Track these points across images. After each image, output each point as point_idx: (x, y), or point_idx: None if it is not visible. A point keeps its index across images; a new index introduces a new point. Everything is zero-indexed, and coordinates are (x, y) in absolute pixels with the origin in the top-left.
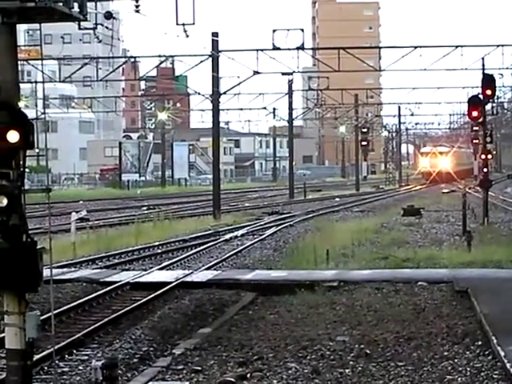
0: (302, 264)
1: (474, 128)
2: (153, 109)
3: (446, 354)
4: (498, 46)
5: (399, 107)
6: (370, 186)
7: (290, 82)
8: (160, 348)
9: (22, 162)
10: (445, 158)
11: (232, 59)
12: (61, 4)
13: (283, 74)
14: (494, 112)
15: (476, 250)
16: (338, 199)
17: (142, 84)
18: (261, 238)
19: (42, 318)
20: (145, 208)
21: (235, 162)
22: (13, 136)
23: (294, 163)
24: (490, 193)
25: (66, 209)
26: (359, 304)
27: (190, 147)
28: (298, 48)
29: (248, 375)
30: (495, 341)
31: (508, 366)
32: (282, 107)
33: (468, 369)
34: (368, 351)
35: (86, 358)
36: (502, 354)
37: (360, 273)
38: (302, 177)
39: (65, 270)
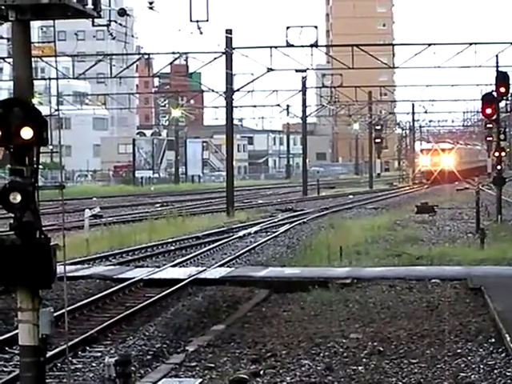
0: (315, 261)
1: (488, 125)
2: (166, 106)
3: (459, 351)
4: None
5: (413, 104)
6: (384, 184)
7: (304, 79)
8: (173, 345)
9: (35, 159)
10: (448, 155)
11: (246, 56)
12: (75, 1)
13: (297, 71)
14: (508, 109)
15: (489, 248)
16: (351, 196)
17: (156, 81)
18: (274, 235)
19: (55, 314)
20: (158, 205)
21: (249, 159)
22: (26, 133)
23: (307, 160)
24: (503, 190)
25: (79, 205)
26: (372, 301)
27: (204, 144)
28: (311, 45)
29: (261, 372)
30: (509, 338)
31: None
32: (296, 104)
33: (481, 366)
34: (381, 348)
35: (100, 354)
36: None
37: (373, 270)
38: (316, 174)
39: (78, 266)
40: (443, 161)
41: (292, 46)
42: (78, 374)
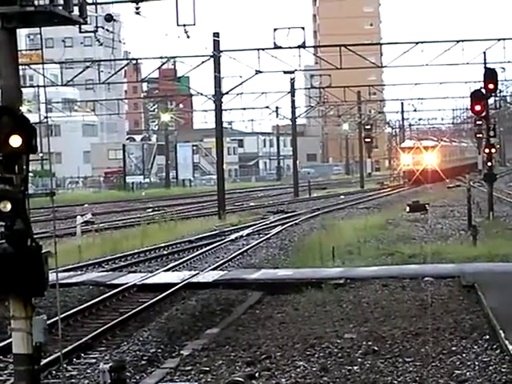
0: (308, 262)
1: (478, 122)
2: (156, 110)
3: (453, 348)
4: (499, 39)
5: (402, 103)
6: (375, 183)
7: (292, 81)
8: (168, 349)
9: (25, 167)
10: (431, 153)
11: (234, 59)
12: (60, 8)
13: (285, 72)
14: (497, 106)
15: (482, 245)
16: (342, 197)
17: (145, 86)
18: (266, 237)
19: (48, 322)
20: (150, 210)
21: (239, 161)
22: (15, 141)
23: (298, 161)
24: (494, 187)
25: (71, 212)
26: (366, 301)
27: (194, 148)
28: (299, 46)
29: (256, 374)
30: (503, 335)
31: None
32: (285, 106)
33: (476, 363)
34: (376, 348)
35: (94, 361)
36: (510, 347)
37: (366, 269)
38: (307, 175)
39: (71, 273)
40: (426, 159)
41: (280, 47)
42: (72, 381)
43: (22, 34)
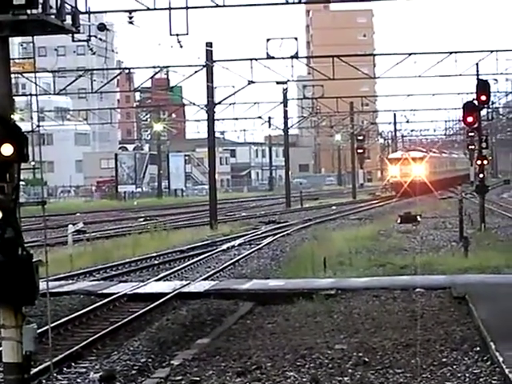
0: (299, 273)
1: (470, 134)
2: (148, 120)
3: (444, 360)
4: (491, 51)
5: (394, 114)
6: (367, 194)
7: (285, 91)
8: (158, 359)
9: (16, 176)
10: (419, 164)
11: (226, 69)
12: (53, 16)
13: (278, 82)
14: (489, 117)
15: (473, 256)
16: (334, 207)
17: (137, 95)
18: (258, 247)
19: (39, 330)
20: (142, 219)
21: (231, 171)
22: (7, 149)
23: (290, 172)
24: (486, 198)
25: (62, 221)
26: (357, 312)
27: (186, 158)
28: (292, 57)
29: None
30: (493, 346)
31: (507, 371)
32: (278, 116)
33: (467, 375)
34: (366, 359)
35: (84, 370)
36: (501, 359)
37: (357, 280)
38: (299, 185)
39: (62, 282)
40: (414, 171)
41: (272, 57)
42: None
43: (15, 42)
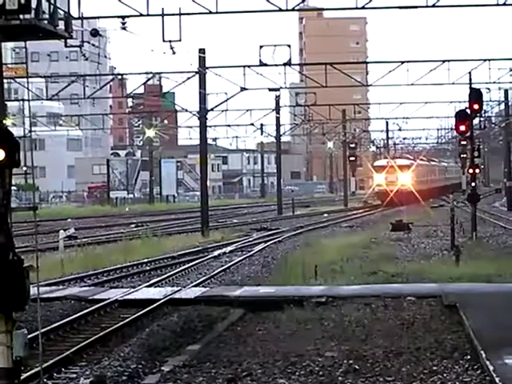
0: (290, 280)
1: (462, 142)
2: (140, 126)
3: (435, 368)
4: (484, 60)
5: (387, 122)
6: (359, 202)
7: (278, 98)
8: (149, 365)
9: (8, 181)
10: (406, 173)
11: (219, 76)
12: (46, 22)
13: (270, 90)
14: (482, 126)
15: (465, 265)
16: (326, 215)
17: (130, 101)
18: (249, 254)
19: (29, 336)
20: (133, 225)
21: (223, 178)
22: None
23: (281, 179)
24: (478, 207)
25: (54, 227)
26: (348, 319)
27: (178, 164)
28: (284, 64)
29: None
30: (484, 355)
31: (497, 380)
32: (270, 123)
33: (457, 383)
34: (357, 367)
35: (75, 376)
36: (491, 368)
37: (348, 288)
38: (290, 193)
39: (53, 287)
40: (400, 179)
41: (265, 64)
42: None
43: (8, 47)
